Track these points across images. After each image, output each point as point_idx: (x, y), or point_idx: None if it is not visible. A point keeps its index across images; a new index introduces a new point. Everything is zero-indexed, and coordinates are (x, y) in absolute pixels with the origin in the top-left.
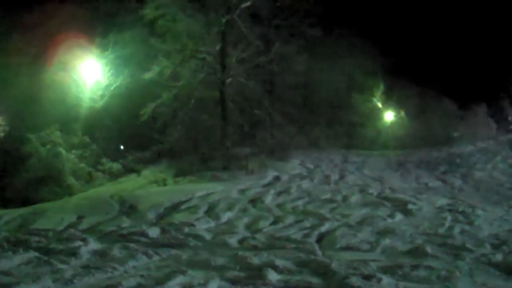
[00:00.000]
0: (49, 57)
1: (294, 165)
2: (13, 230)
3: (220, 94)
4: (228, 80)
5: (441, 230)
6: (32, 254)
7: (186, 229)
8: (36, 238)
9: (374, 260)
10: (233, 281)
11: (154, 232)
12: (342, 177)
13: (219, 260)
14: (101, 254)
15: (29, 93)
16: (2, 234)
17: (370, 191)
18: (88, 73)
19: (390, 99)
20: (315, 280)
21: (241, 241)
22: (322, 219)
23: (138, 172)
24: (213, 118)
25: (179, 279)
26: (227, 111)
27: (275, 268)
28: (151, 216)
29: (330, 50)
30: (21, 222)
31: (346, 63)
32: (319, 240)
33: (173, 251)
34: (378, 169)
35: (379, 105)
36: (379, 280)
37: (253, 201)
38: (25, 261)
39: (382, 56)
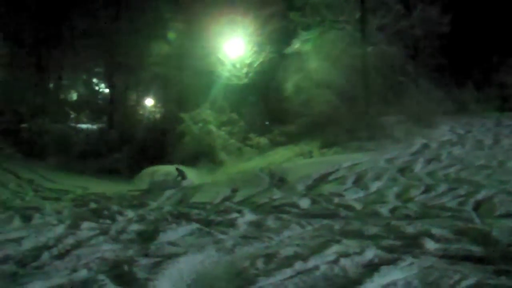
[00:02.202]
0: (195, 38)
1: (443, 131)
2: (175, 204)
3: (362, 63)
4: (369, 48)
5: None
6: (194, 225)
7: (336, 200)
8: (196, 211)
9: None
10: (389, 250)
11: (304, 203)
12: (496, 141)
13: (372, 230)
14: (256, 225)
15: (179, 75)
16: (166, 208)
17: None
18: (233, 52)
19: None
20: (475, 248)
21: (392, 211)
22: (478, 186)
23: (284, 145)
24: (356, 87)
25: (335, 248)
26: (369, 80)
27: (431, 236)
28: (300, 187)
29: (476, 8)
30: (181, 197)
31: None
32: (476, 208)
33: (325, 221)
34: None
35: None
36: None
37: (402, 170)
38: (188, 232)
39: None
